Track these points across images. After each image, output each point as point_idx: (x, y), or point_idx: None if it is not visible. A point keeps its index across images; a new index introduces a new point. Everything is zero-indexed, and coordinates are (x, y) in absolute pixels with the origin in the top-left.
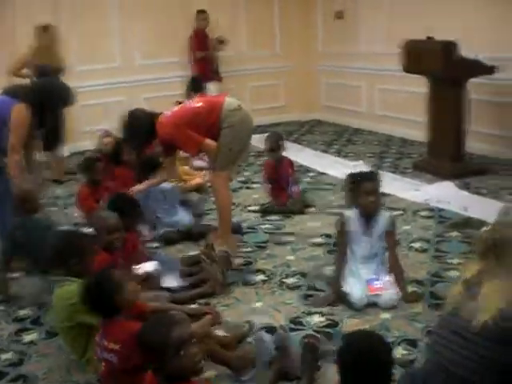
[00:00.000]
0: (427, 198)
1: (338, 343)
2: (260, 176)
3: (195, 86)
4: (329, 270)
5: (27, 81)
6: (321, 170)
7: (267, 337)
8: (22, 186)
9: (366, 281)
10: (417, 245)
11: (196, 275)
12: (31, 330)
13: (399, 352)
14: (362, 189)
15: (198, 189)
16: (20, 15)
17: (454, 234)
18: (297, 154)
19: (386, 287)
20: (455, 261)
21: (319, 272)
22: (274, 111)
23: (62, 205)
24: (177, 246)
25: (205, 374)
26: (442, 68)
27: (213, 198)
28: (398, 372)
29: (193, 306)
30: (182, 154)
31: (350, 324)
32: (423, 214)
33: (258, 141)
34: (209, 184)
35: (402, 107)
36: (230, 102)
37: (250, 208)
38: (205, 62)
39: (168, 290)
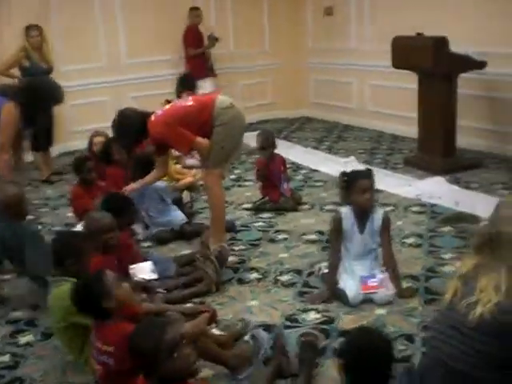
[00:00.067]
0: (419, 193)
1: (335, 339)
2: (252, 174)
3: (185, 84)
4: (324, 267)
5: (15, 81)
6: (313, 167)
7: (263, 334)
8: (8, 191)
9: (360, 277)
10: (410, 240)
11: (189, 274)
12: (26, 332)
13: (396, 347)
14: (357, 186)
15: (190, 187)
16: (6, 15)
17: (447, 228)
18: (287, 151)
19: (381, 285)
20: (449, 255)
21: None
22: (262, 108)
23: (53, 206)
24: (169, 245)
25: (202, 374)
26: (433, 64)
27: (205, 197)
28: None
29: (188, 305)
30: (174, 152)
31: (346, 320)
32: (415, 209)
33: (248, 138)
34: (200, 182)
35: (393, 103)
36: (222, 99)
37: (243, 206)
38: (198, 59)
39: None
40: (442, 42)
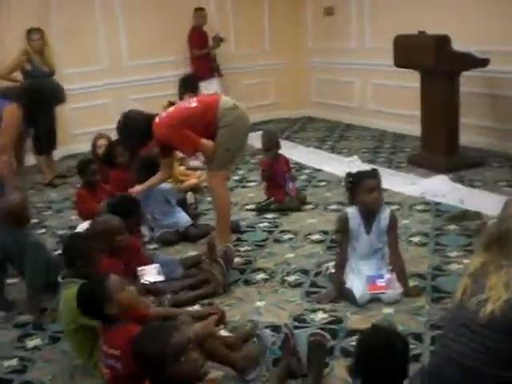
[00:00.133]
0: (423, 191)
1: (342, 340)
2: (255, 174)
3: (187, 86)
4: (331, 267)
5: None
6: (316, 167)
7: (267, 333)
8: (11, 199)
9: (367, 277)
10: (416, 239)
11: (196, 276)
12: (34, 336)
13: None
14: (363, 186)
15: (194, 189)
16: (7, 18)
17: (452, 227)
18: (290, 151)
19: (388, 285)
20: (455, 254)
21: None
22: (264, 109)
23: (57, 209)
24: (175, 247)
25: (210, 375)
26: (435, 62)
27: (209, 198)
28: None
29: (197, 307)
30: (178, 154)
31: (354, 320)
32: (419, 207)
33: (251, 139)
34: (204, 184)
35: (395, 102)
36: (225, 100)
37: (247, 207)
38: (203, 60)
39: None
40: (443, 41)
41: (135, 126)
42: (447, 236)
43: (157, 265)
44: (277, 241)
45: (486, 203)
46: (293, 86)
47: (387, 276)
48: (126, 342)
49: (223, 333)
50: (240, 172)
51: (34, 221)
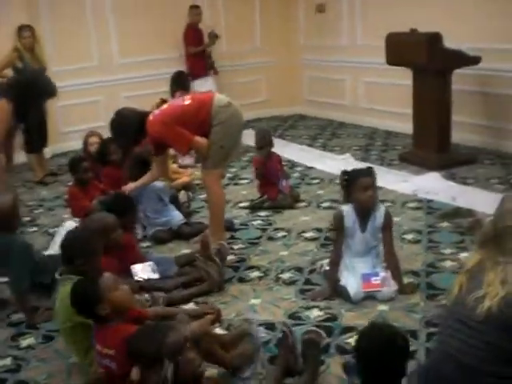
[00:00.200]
0: (415, 189)
1: (337, 337)
2: (247, 172)
3: (179, 83)
4: (325, 264)
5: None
6: (308, 165)
7: (260, 331)
8: (0, 203)
9: (361, 275)
10: (409, 236)
11: (190, 274)
12: (27, 335)
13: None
14: (358, 184)
15: (186, 187)
16: None
17: (445, 224)
18: (282, 149)
19: (383, 284)
20: (448, 251)
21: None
22: (255, 106)
23: (48, 207)
24: (169, 245)
25: (206, 373)
26: (427, 60)
27: (201, 196)
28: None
29: (192, 306)
30: (170, 151)
31: (348, 317)
32: (412, 205)
33: (244, 137)
34: (196, 182)
35: (387, 100)
36: (219, 98)
37: (240, 205)
38: (198, 57)
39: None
40: (435, 38)
41: (128, 124)
42: (440, 233)
43: (151, 262)
44: (270, 238)
45: (478, 200)
46: (284, 83)
47: (382, 274)
48: (121, 341)
49: (218, 331)
50: (232, 169)
51: (25, 219)
